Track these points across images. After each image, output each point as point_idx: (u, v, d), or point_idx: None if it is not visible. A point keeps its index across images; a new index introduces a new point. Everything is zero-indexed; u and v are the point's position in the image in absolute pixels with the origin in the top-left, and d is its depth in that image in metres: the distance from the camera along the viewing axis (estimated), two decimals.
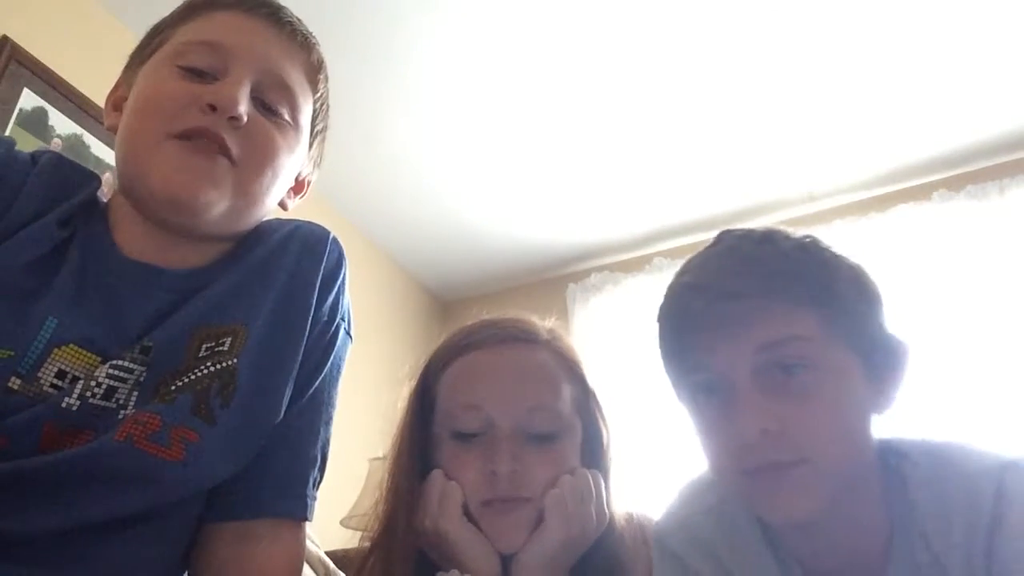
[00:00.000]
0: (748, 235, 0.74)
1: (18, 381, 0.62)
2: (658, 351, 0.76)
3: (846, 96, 2.56)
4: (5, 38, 1.92)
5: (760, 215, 3.10)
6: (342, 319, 0.81)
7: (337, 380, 0.80)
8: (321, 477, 0.77)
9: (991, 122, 2.67)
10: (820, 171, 2.91)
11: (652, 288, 3.24)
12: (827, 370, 0.67)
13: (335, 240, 0.82)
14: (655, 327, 0.75)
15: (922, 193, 2.86)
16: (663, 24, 2.32)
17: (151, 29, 0.79)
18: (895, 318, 0.72)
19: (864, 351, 0.69)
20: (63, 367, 0.64)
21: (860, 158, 2.85)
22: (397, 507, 0.81)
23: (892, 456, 0.72)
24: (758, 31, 2.34)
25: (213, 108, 0.69)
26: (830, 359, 0.67)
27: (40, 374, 0.63)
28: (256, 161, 0.73)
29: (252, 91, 0.73)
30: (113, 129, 0.77)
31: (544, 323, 0.90)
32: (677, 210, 3.14)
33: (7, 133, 1.89)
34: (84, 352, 0.65)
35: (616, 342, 3.08)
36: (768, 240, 0.72)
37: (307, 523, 0.77)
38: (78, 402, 0.63)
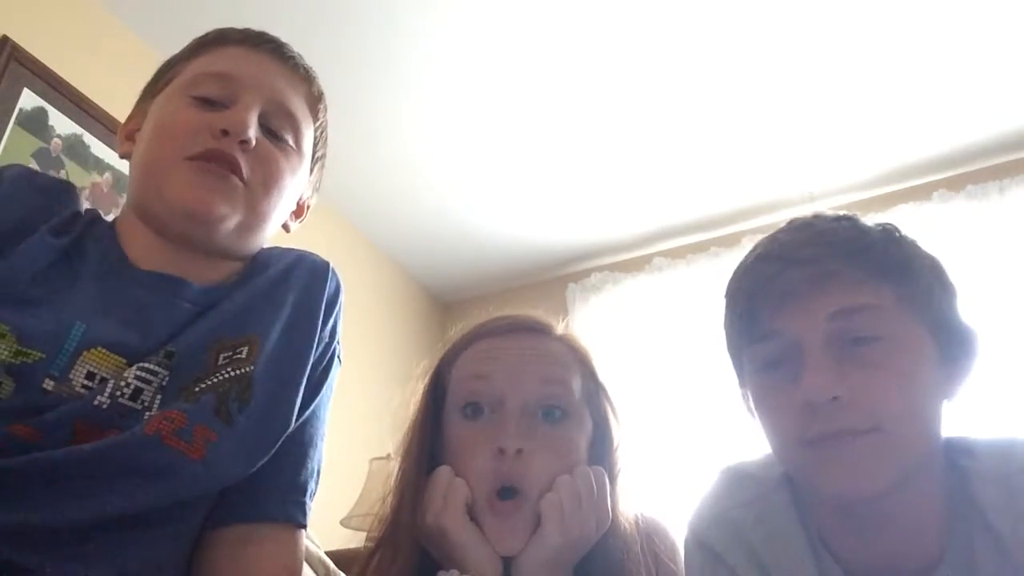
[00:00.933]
0: (822, 214, 0.74)
1: (51, 382, 0.66)
2: (724, 327, 0.75)
3: (846, 96, 2.56)
4: (5, 38, 1.92)
5: (760, 215, 3.10)
6: (337, 343, 0.86)
7: (329, 400, 0.85)
8: (316, 488, 0.80)
9: (991, 122, 2.68)
10: (820, 171, 2.91)
11: (652, 288, 3.25)
12: (899, 342, 0.66)
13: (334, 270, 0.88)
14: (723, 303, 0.74)
15: (922, 193, 2.86)
16: (663, 24, 2.32)
17: (163, 64, 0.86)
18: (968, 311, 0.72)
19: (937, 331, 0.68)
20: (92, 369, 0.68)
21: (860, 158, 2.85)
22: (403, 503, 0.81)
23: (956, 454, 0.70)
24: (758, 31, 2.34)
25: (225, 133, 0.75)
26: (903, 332, 0.66)
27: (71, 375, 0.67)
28: (265, 181, 0.78)
29: (259, 119, 0.78)
30: (126, 156, 0.83)
31: (559, 323, 0.91)
32: (677, 210, 3.14)
33: (7, 133, 1.89)
34: (111, 355, 0.69)
35: (616, 342, 3.08)
36: (845, 218, 0.72)
37: (305, 530, 0.79)
38: (108, 400, 0.67)
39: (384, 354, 3.21)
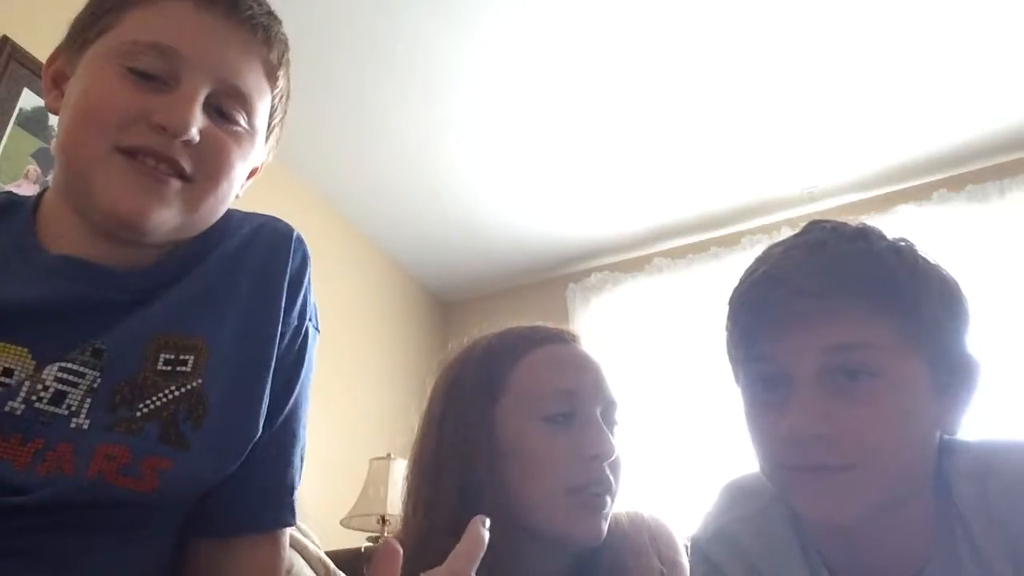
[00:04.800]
0: (839, 230, 0.71)
1: None
2: (725, 332, 0.75)
3: (846, 95, 2.57)
4: (5, 38, 1.92)
5: (760, 215, 3.11)
6: (310, 319, 0.78)
7: (310, 379, 0.79)
8: (299, 478, 0.76)
9: (991, 122, 2.68)
10: (820, 171, 2.91)
11: (652, 288, 3.25)
12: (892, 380, 0.65)
13: (299, 238, 0.78)
14: (727, 309, 0.74)
15: (922, 193, 2.87)
16: (664, 24, 2.32)
17: (94, 5, 0.72)
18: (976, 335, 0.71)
19: (937, 366, 0.67)
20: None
21: (860, 158, 2.85)
22: (446, 507, 0.79)
23: (941, 453, 0.70)
24: (758, 31, 2.34)
25: (164, 129, 0.65)
26: (898, 370, 0.65)
27: None
28: (210, 176, 0.69)
29: (207, 98, 0.68)
30: (53, 111, 0.71)
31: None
32: (677, 210, 3.14)
33: (7, 133, 1.90)
34: (9, 346, 0.63)
35: (616, 342, 3.08)
36: (861, 237, 0.70)
37: (301, 523, 0.77)
38: (23, 406, 0.61)
39: (384, 354, 3.21)
